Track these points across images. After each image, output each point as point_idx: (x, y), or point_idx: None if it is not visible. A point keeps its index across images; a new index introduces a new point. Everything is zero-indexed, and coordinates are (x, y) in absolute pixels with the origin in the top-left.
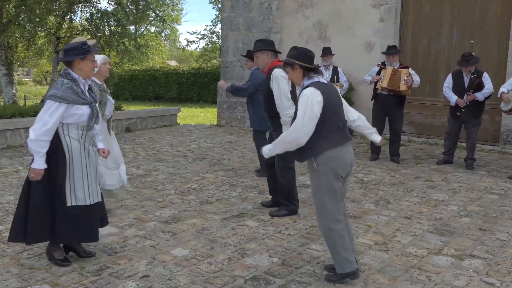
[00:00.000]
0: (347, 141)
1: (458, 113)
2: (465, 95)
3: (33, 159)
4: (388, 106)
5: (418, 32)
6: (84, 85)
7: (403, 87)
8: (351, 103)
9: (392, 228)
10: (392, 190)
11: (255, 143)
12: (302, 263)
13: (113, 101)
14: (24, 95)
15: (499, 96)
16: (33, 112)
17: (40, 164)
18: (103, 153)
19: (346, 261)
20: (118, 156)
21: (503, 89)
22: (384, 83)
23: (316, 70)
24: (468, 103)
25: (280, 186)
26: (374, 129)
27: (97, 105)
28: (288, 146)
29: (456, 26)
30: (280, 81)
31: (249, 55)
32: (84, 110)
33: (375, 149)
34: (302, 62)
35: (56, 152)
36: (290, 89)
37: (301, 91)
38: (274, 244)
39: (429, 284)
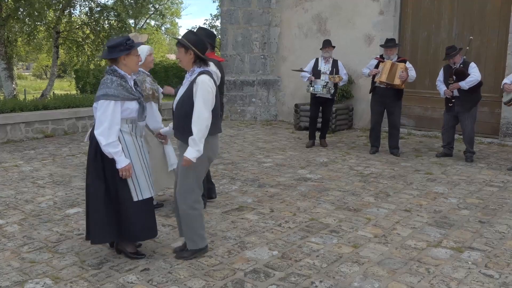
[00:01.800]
0: (221, 130)
1: (449, 104)
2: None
3: (93, 166)
4: (386, 99)
5: (418, 25)
6: (130, 80)
7: (397, 81)
8: (350, 96)
9: (391, 220)
10: (391, 183)
11: None
12: (302, 256)
13: (161, 89)
14: (24, 90)
15: (502, 87)
16: (33, 106)
17: (123, 161)
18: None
19: (201, 237)
20: None
21: (506, 80)
22: (382, 77)
23: (205, 62)
24: (457, 95)
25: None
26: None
27: (143, 100)
28: (205, 133)
29: (456, 19)
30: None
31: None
32: (134, 105)
33: (374, 142)
34: (198, 50)
35: None
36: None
37: (193, 77)
38: (274, 237)
39: (428, 276)
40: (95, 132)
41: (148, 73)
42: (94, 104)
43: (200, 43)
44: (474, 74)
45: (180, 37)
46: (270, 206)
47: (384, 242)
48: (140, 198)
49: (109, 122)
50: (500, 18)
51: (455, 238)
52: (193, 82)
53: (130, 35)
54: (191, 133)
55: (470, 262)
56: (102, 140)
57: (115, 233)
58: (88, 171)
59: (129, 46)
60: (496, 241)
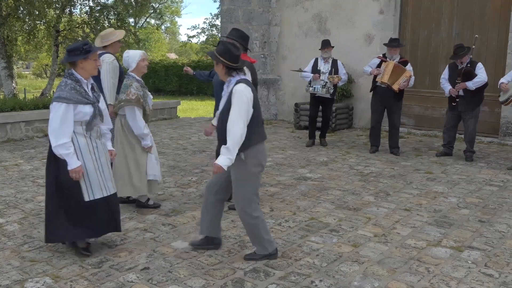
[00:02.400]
0: (266, 137)
1: (453, 103)
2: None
3: (52, 165)
4: (387, 99)
5: (418, 24)
6: (87, 85)
7: (395, 87)
8: (350, 95)
9: (391, 220)
10: (391, 182)
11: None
12: (302, 255)
13: (152, 97)
14: (24, 89)
15: (499, 87)
16: (33, 105)
17: (74, 163)
18: (111, 155)
19: (269, 242)
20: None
21: (503, 79)
22: (384, 77)
23: (238, 70)
24: (462, 94)
25: None
26: None
27: (99, 104)
28: (238, 144)
29: (456, 18)
30: None
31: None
32: (87, 109)
33: (374, 142)
34: (227, 60)
35: None
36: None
37: (230, 87)
38: (274, 236)
39: (428, 275)
40: (48, 133)
41: (138, 79)
42: (50, 106)
43: (226, 53)
44: (481, 75)
45: (209, 51)
46: (270, 205)
47: (384, 241)
48: (92, 198)
49: (59, 124)
50: (500, 17)
51: (455, 238)
52: (230, 93)
53: (106, 31)
54: (240, 146)
55: (470, 262)
56: (52, 141)
57: (70, 232)
58: (47, 171)
59: (86, 51)
60: (496, 240)
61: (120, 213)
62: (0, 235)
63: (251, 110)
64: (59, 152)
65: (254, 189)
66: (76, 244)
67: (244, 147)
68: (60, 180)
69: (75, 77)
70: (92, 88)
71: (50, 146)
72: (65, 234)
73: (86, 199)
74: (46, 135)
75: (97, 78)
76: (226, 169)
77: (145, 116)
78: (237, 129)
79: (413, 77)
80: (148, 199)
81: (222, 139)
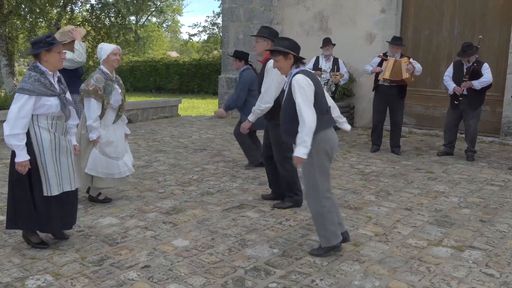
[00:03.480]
0: (334, 123)
1: (456, 102)
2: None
3: (14, 154)
4: (389, 98)
5: (420, 23)
6: (52, 76)
7: (405, 75)
8: (352, 94)
9: (392, 219)
10: (392, 182)
11: (235, 136)
12: (303, 254)
13: (120, 90)
14: None
15: None
16: None
17: (23, 156)
18: (74, 149)
19: (334, 234)
20: (121, 147)
21: None
22: (386, 74)
23: (302, 61)
24: (466, 93)
25: (282, 177)
26: (345, 119)
27: (66, 96)
28: (312, 131)
29: (458, 17)
30: (274, 73)
31: (236, 55)
32: (53, 101)
33: (375, 141)
34: (295, 53)
35: (26, 144)
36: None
37: (290, 79)
38: (274, 235)
39: (429, 275)
40: (4, 123)
41: (106, 71)
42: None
43: (295, 46)
44: (488, 75)
45: (273, 47)
46: (271, 203)
47: (384, 240)
48: (49, 194)
49: (16, 114)
50: (502, 16)
51: (455, 237)
52: (290, 84)
53: (66, 28)
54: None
55: (470, 261)
56: (6, 130)
57: (28, 223)
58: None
59: (48, 43)
60: (497, 240)
61: (77, 209)
62: (1, 233)
63: (312, 98)
64: (10, 142)
65: (320, 176)
66: (28, 236)
67: None
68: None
69: (40, 69)
70: (59, 81)
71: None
72: (22, 223)
73: (45, 193)
74: None
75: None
76: (306, 158)
77: (103, 109)
78: (306, 117)
79: (417, 63)
80: (99, 194)
81: (286, 130)
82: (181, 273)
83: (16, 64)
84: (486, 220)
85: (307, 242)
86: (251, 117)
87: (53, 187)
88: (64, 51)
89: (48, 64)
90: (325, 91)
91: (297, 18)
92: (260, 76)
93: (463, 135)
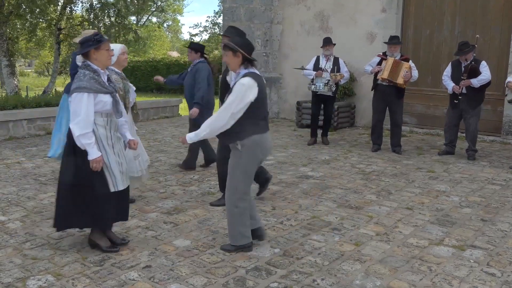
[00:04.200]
0: (268, 130)
1: (455, 101)
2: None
3: (71, 152)
4: (388, 97)
5: (420, 22)
6: (103, 75)
7: (400, 80)
8: (352, 94)
9: (393, 218)
10: (393, 181)
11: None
12: (304, 253)
13: (134, 88)
14: (26, 86)
15: (505, 85)
16: (35, 103)
17: (95, 153)
18: (133, 144)
19: (242, 235)
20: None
21: (510, 78)
22: (384, 74)
23: (253, 63)
24: (465, 91)
25: (221, 176)
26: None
27: (117, 94)
28: (214, 131)
29: (458, 16)
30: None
31: (192, 47)
32: (107, 98)
33: (376, 140)
34: (246, 52)
35: None
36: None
37: (237, 79)
38: (275, 234)
39: (430, 274)
40: (70, 124)
41: (119, 71)
42: (69, 98)
43: (247, 45)
44: (486, 73)
45: (226, 41)
46: (272, 203)
47: (386, 240)
48: (116, 189)
49: (83, 113)
50: (503, 16)
51: (457, 236)
52: (235, 83)
53: (89, 31)
54: (233, 134)
55: (472, 261)
56: (75, 131)
57: (82, 221)
58: (63, 161)
59: (97, 41)
60: (498, 239)
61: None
62: (2, 233)
63: (247, 103)
64: (81, 142)
65: (243, 178)
66: (96, 241)
67: (240, 137)
68: (82, 171)
69: (92, 68)
70: (109, 79)
71: (69, 137)
72: (77, 221)
73: (112, 190)
74: (49, 133)
75: None
76: (188, 142)
77: (126, 109)
78: (219, 117)
79: (416, 70)
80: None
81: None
82: (182, 273)
83: (17, 65)
84: (487, 219)
85: (308, 242)
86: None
87: (119, 182)
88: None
89: (97, 62)
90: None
91: (298, 18)
92: (223, 76)
93: (464, 134)
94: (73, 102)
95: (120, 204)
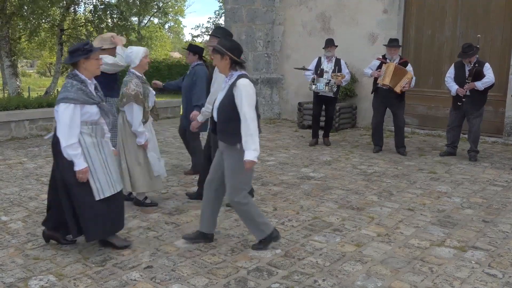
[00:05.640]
0: (260, 131)
1: (459, 103)
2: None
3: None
4: (389, 100)
5: (422, 23)
6: (91, 85)
7: (397, 89)
8: (354, 95)
9: (395, 219)
10: (395, 182)
11: (190, 143)
12: (305, 254)
13: (154, 92)
14: (28, 87)
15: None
16: (37, 104)
17: (81, 164)
18: (114, 154)
19: (264, 224)
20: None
21: None
22: (386, 80)
23: (242, 65)
24: (469, 93)
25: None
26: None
27: (104, 103)
28: (257, 135)
29: (460, 17)
30: (221, 75)
31: (191, 49)
32: (94, 109)
33: (377, 142)
34: (234, 55)
35: None
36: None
37: (232, 81)
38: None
39: (432, 275)
40: (57, 134)
41: (139, 75)
42: (55, 107)
43: (235, 48)
44: (490, 75)
45: (214, 45)
46: (273, 204)
47: (387, 241)
48: (102, 197)
49: (69, 124)
50: (505, 16)
51: (458, 238)
52: (232, 85)
53: (106, 34)
54: (235, 136)
55: (473, 262)
56: (62, 143)
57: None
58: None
59: (87, 50)
60: (500, 240)
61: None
62: (4, 233)
63: (255, 102)
64: (68, 152)
65: (246, 179)
66: (111, 241)
67: (240, 139)
68: (68, 180)
69: (80, 78)
70: (96, 88)
71: (55, 146)
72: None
73: (97, 198)
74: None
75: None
76: (255, 162)
77: (145, 113)
78: (251, 120)
79: (414, 78)
80: (146, 198)
81: (222, 130)
82: (183, 273)
83: (19, 65)
84: (488, 220)
85: (309, 243)
86: (200, 118)
87: (105, 188)
88: (102, 56)
89: (86, 72)
90: None
91: (300, 19)
92: (210, 75)
93: (466, 135)
94: (60, 112)
95: (113, 210)
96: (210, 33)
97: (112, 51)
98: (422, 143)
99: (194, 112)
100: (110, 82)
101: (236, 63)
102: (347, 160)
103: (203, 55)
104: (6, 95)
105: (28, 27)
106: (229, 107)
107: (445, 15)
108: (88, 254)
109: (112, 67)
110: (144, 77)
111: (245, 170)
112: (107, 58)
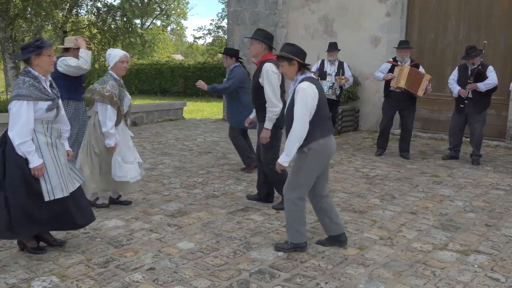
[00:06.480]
0: (332, 131)
1: (461, 105)
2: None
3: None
4: (401, 103)
5: (425, 26)
6: (45, 81)
7: (420, 93)
8: (356, 98)
9: (397, 223)
10: (397, 185)
11: (232, 140)
12: (307, 257)
13: (130, 97)
14: None
15: (510, 88)
16: None
17: (36, 161)
18: (68, 155)
19: (299, 233)
20: (134, 150)
21: None
22: (401, 83)
23: (308, 67)
24: (471, 96)
25: (270, 178)
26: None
27: (59, 101)
28: (300, 142)
29: (463, 21)
30: (271, 76)
31: (227, 53)
32: (48, 105)
33: (382, 144)
34: (300, 59)
35: None
36: (279, 83)
37: (295, 85)
38: (279, 238)
39: (434, 279)
40: (9, 133)
41: (116, 77)
42: (9, 105)
43: (300, 52)
44: (493, 77)
45: (279, 53)
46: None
47: (389, 244)
48: (52, 198)
49: (22, 122)
50: (508, 20)
51: (461, 241)
52: (294, 89)
53: (71, 37)
54: (305, 140)
55: (476, 266)
56: (15, 140)
57: (28, 229)
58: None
59: (38, 47)
60: (503, 244)
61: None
62: None
63: (314, 106)
64: (22, 150)
65: (307, 180)
66: (25, 243)
67: (307, 141)
68: (25, 177)
69: (33, 74)
70: (51, 85)
71: (5, 144)
72: (26, 230)
73: (46, 199)
74: None
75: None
76: (286, 166)
77: (119, 115)
78: (297, 127)
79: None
80: (119, 196)
81: (289, 131)
82: (186, 275)
83: (22, 67)
84: (491, 224)
85: (311, 245)
86: (268, 125)
87: (56, 190)
88: (61, 56)
89: (39, 68)
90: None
91: (302, 21)
92: (255, 78)
93: (469, 139)
94: (13, 110)
95: (63, 212)
96: (251, 36)
97: (76, 53)
98: (424, 147)
99: (202, 83)
100: (75, 85)
101: (304, 66)
102: (350, 163)
103: (239, 56)
104: (9, 96)
105: (32, 29)
106: (292, 111)
107: (448, 18)
108: (91, 256)
109: (75, 70)
110: (121, 80)
111: (276, 169)
112: (70, 61)
